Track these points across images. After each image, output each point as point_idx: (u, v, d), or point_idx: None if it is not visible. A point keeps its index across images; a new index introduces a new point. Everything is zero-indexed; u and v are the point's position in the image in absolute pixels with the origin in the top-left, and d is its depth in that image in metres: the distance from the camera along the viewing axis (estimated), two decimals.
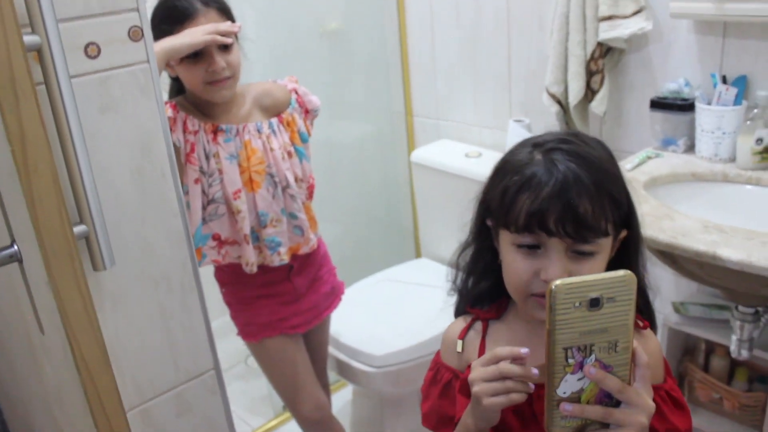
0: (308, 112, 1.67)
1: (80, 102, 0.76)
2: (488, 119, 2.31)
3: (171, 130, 1.48)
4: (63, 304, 0.70)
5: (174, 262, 0.94)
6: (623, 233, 0.91)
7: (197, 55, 1.44)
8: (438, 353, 1.08)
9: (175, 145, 1.49)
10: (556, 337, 0.74)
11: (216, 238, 1.60)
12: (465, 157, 2.24)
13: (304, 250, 1.69)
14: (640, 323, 0.93)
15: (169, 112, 1.49)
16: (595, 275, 0.75)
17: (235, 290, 1.72)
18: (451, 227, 2.29)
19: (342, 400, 2.39)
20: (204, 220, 1.57)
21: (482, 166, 2.16)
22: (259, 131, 1.57)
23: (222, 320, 1.85)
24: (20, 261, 0.76)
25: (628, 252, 0.94)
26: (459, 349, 1.01)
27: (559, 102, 1.92)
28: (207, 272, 1.63)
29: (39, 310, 0.81)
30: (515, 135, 2.12)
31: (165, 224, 0.92)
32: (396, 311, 2.14)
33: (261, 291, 1.70)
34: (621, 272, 0.73)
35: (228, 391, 1.10)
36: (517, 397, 0.80)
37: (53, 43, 0.70)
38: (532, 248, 0.87)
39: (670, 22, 1.75)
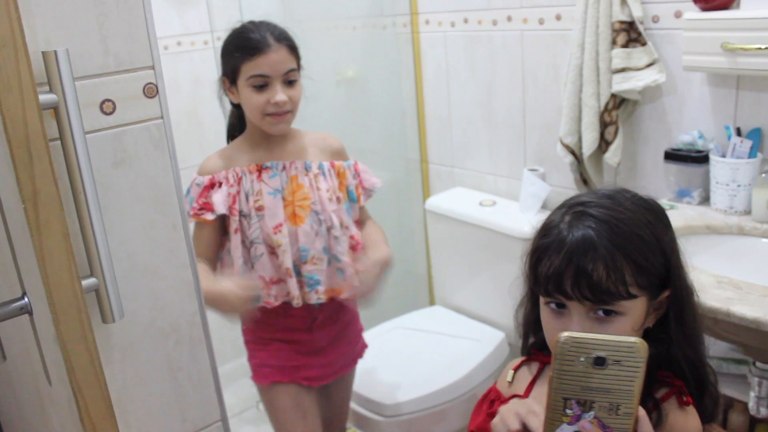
0: (365, 189, 1.70)
1: (94, 157, 0.78)
2: (503, 168, 2.32)
3: (210, 209, 1.53)
4: (69, 359, 0.71)
5: (183, 313, 0.94)
6: (665, 293, 0.92)
7: (263, 86, 1.51)
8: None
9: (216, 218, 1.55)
10: (557, 386, 0.76)
11: (262, 279, 1.60)
12: (479, 205, 2.25)
13: (346, 294, 1.66)
14: (684, 397, 0.92)
15: (204, 180, 1.54)
16: (606, 336, 0.76)
17: (254, 328, 1.71)
18: (465, 275, 2.30)
19: None
20: (252, 265, 1.59)
21: (497, 214, 2.17)
22: (306, 169, 1.60)
23: (235, 363, 1.85)
24: (30, 313, 0.76)
25: (670, 314, 0.94)
26: (509, 378, 1.06)
27: (573, 152, 1.92)
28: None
29: (47, 362, 0.81)
30: (529, 184, 2.12)
31: (175, 276, 0.92)
32: (408, 359, 2.12)
33: (280, 335, 1.69)
34: (632, 339, 0.74)
35: None
36: None
37: (69, 101, 0.71)
38: (560, 307, 0.90)
39: (684, 75, 1.76)
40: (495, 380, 2.16)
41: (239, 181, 1.56)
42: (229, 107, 1.67)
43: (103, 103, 0.81)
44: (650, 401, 0.90)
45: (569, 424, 0.77)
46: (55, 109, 0.72)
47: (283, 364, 1.69)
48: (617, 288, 0.85)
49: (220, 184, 1.55)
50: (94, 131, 0.81)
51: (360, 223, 1.72)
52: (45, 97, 0.70)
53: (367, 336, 2.24)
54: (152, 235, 0.89)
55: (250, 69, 1.51)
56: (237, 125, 1.69)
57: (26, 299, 0.75)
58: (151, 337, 0.92)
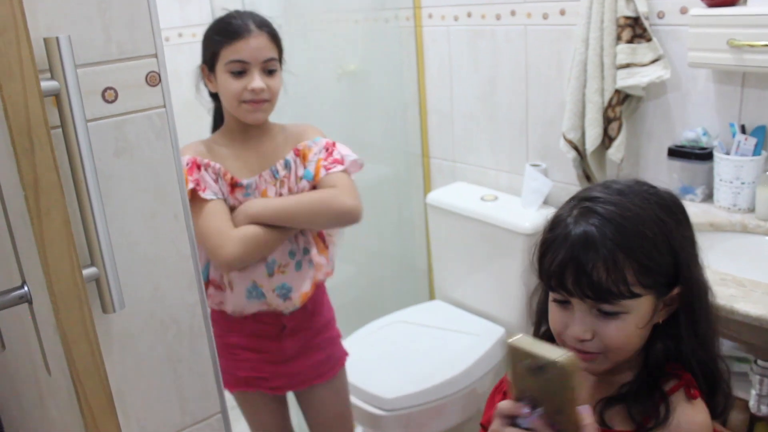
0: (337, 162, 1.56)
1: (96, 145, 0.77)
2: (505, 163, 2.31)
3: (203, 188, 1.46)
4: (70, 349, 0.70)
5: (184, 305, 0.94)
6: (675, 290, 0.91)
7: (241, 73, 1.47)
8: None
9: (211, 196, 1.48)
10: (512, 382, 0.83)
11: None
12: (481, 200, 2.24)
13: (319, 277, 1.61)
14: (691, 390, 0.91)
15: (186, 159, 1.47)
16: (538, 349, 0.79)
17: (222, 333, 1.63)
18: (465, 270, 2.30)
19: None
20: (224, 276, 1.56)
21: (498, 209, 2.16)
22: (275, 176, 1.55)
23: None
24: (30, 302, 0.76)
25: (680, 311, 0.92)
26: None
27: (576, 148, 1.91)
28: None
29: (47, 351, 0.81)
30: (531, 179, 2.11)
31: (176, 267, 0.91)
32: (408, 354, 2.12)
33: (247, 342, 1.63)
34: (559, 356, 0.77)
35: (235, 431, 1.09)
36: None
37: (71, 88, 0.70)
38: (564, 303, 0.91)
39: (689, 71, 1.75)
40: (495, 376, 2.17)
41: (216, 181, 1.49)
42: (206, 97, 1.61)
43: (105, 91, 0.80)
44: (658, 394, 0.90)
45: (525, 418, 0.83)
46: (56, 96, 0.71)
47: (247, 375, 1.65)
48: (618, 288, 0.85)
49: (205, 169, 1.48)
50: (96, 119, 0.80)
51: None
52: (46, 84, 0.69)
53: (367, 330, 2.24)
54: (153, 225, 0.88)
55: (228, 54, 1.46)
56: (216, 119, 1.64)
57: (26, 288, 0.74)
58: (151, 328, 0.92)
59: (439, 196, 2.36)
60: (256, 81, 1.47)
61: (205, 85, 1.56)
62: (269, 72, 1.50)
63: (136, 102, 0.83)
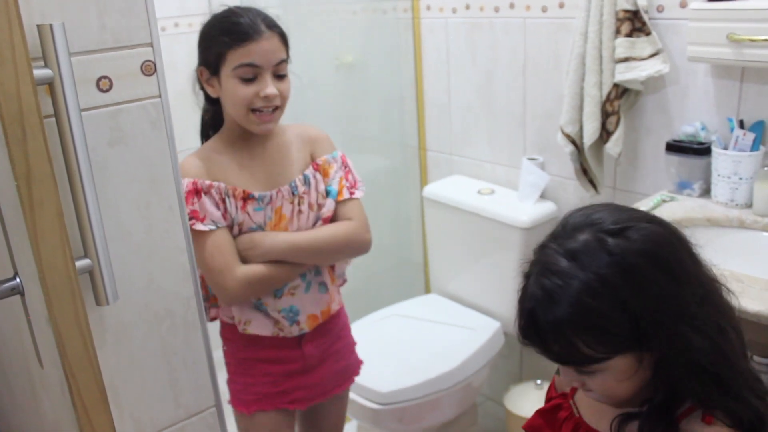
0: (350, 184, 1.53)
1: (90, 135, 0.76)
2: (502, 156, 2.30)
3: (201, 217, 1.37)
4: (62, 342, 0.69)
5: (178, 297, 0.93)
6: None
7: (251, 79, 1.36)
8: None
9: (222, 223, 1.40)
10: None
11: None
12: (478, 193, 2.23)
13: (334, 308, 1.56)
14: (705, 414, 0.85)
15: (186, 183, 1.37)
16: None
17: (236, 348, 1.55)
18: (461, 264, 2.29)
19: None
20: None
21: (495, 203, 2.15)
22: (293, 193, 1.45)
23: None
24: (22, 294, 0.75)
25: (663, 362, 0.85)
26: (557, 372, 1.05)
27: (573, 142, 1.90)
28: None
29: (39, 344, 0.80)
30: (528, 173, 2.11)
31: (171, 259, 0.91)
32: (403, 347, 2.11)
33: (265, 354, 1.52)
34: None
35: (228, 426, 1.09)
36: None
37: (65, 77, 0.69)
38: None
39: (688, 66, 1.74)
40: (490, 370, 2.16)
41: (222, 201, 1.40)
42: (203, 101, 1.50)
43: (99, 79, 0.79)
44: (669, 421, 0.85)
45: None
46: (49, 84, 0.70)
47: (268, 390, 1.54)
48: (576, 358, 0.82)
49: (206, 193, 1.38)
50: (90, 108, 0.79)
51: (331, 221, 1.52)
52: (40, 72, 0.68)
53: (362, 323, 2.24)
54: (148, 216, 0.88)
55: (238, 57, 1.34)
56: (211, 124, 1.51)
57: (18, 279, 0.74)
58: (145, 320, 0.91)
59: (435, 189, 2.35)
60: (270, 87, 1.36)
61: (202, 89, 1.45)
62: (279, 77, 1.40)
63: (131, 91, 0.82)
